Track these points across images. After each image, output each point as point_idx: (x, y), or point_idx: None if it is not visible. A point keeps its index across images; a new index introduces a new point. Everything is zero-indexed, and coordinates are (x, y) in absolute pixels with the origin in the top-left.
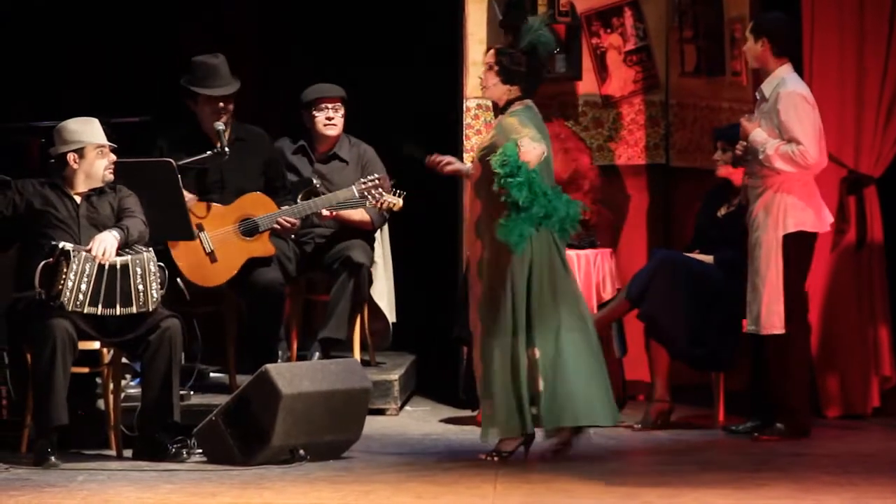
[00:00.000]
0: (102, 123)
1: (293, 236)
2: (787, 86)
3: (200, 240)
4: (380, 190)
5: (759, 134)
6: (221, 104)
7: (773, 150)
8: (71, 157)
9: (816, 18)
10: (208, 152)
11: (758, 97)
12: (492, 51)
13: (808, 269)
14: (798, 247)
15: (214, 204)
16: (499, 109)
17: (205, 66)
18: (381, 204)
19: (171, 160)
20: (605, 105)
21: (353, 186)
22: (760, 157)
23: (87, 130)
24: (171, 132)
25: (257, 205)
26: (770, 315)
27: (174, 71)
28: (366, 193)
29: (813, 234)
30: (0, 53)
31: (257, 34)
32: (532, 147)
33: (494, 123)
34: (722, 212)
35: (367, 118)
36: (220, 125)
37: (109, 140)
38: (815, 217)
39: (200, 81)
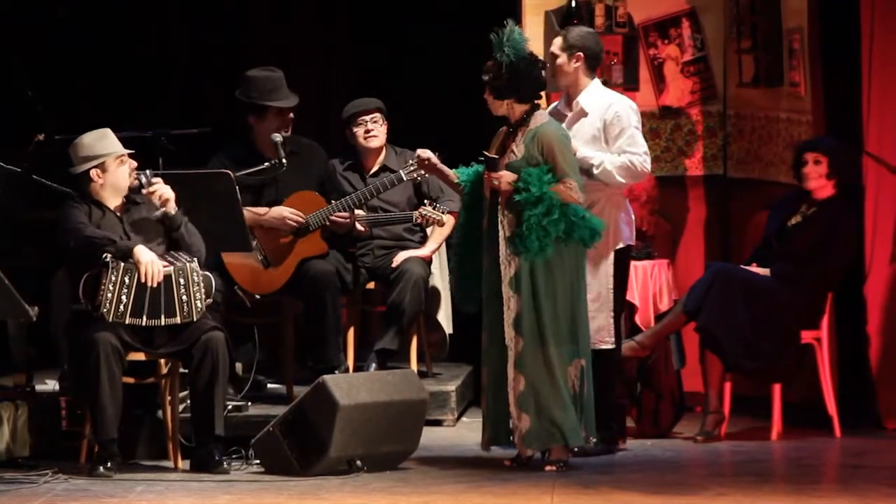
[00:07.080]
0: (162, 136)
1: (352, 250)
2: (623, 100)
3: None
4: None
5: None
6: (291, 115)
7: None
8: (94, 172)
9: (876, 22)
10: (265, 164)
11: (567, 108)
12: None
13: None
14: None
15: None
16: (510, 123)
17: (269, 80)
18: (427, 221)
19: (229, 171)
20: (663, 116)
21: (400, 171)
22: (597, 171)
23: (103, 143)
24: (227, 151)
25: (306, 203)
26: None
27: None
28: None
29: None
30: (70, 64)
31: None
32: (575, 195)
33: (521, 136)
34: (792, 221)
35: (429, 130)
36: (277, 137)
37: (174, 154)
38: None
39: (267, 95)
